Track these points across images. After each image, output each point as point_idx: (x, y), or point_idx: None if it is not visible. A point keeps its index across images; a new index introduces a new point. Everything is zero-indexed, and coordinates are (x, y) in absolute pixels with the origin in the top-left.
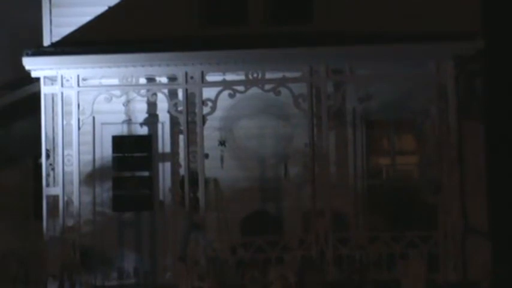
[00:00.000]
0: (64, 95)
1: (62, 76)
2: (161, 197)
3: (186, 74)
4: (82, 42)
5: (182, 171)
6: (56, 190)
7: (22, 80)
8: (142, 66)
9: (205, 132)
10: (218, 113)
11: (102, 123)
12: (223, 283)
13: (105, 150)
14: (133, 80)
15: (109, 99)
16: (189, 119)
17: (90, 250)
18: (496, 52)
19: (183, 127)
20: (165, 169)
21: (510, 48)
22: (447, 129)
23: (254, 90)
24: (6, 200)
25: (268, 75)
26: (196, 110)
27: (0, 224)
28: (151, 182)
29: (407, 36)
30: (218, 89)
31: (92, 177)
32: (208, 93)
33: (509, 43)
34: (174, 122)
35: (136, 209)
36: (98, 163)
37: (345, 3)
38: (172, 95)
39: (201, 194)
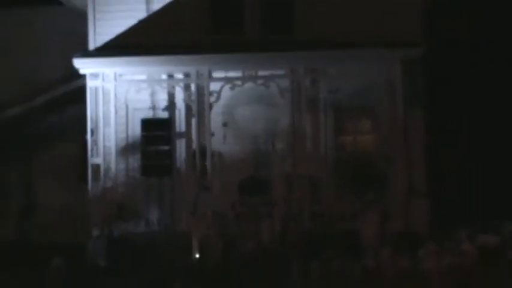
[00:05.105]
0: (104, 87)
1: (103, 73)
2: (178, 165)
3: (197, 72)
4: (118, 47)
5: (194, 146)
6: (98, 160)
7: (72, 76)
8: (164, 65)
9: (211, 116)
10: (222, 101)
11: (134, 109)
12: (225, 232)
13: (136, 130)
14: (157, 76)
15: (139, 91)
16: (199, 106)
17: (124, 205)
18: (433, 56)
19: (194, 112)
20: (181, 144)
21: (445, 52)
22: (396, 116)
23: (249, 84)
24: (63, 167)
25: (260, 73)
26: (205, 99)
27: (57, 184)
28: (170, 154)
29: (366, 43)
30: (221, 83)
31: (125, 150)
32: (214, 86)
33: (444, 48)
34: (188, 108)
35: (159, 174)
36: (130, 139)
37: (319, 18)
38: (186, 87)
39: (208, 163)
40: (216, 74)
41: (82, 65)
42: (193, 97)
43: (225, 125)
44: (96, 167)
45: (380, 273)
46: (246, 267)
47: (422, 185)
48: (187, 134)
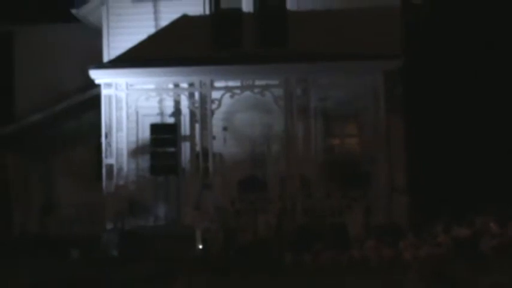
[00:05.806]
0: (117, 96)
1: (115, 83)
2: (183, 165)
3: (201, 81)
4: (130, 59)
5: (197, 148)
6: (112, 160)
7: (89, 86)
8: (171, 76)
9: (213, 121)
10: (222, 108)
11: (143, 115)
12: (225, 225)
13: (145, 134)
14: (165, 85)
15: (148, 99)
16: (202, 112)
17: (135, 201)
18: (411, 67)
19: (198, 118)
20: (186, 147)
21: (420, 65)
22: (379, 121)
23: (247, 93)
24: (80, 167)
25: (256, 83)
26: (207, 106)
27: (75, 183)
28: (176, 155)
29: (352, 56)
30: (222, 92)
31: (136, 151)
32: (216, 94)
33: (420, 61)
34: (192, 114)
35: (166, 173)
36: (140, 142)
37: (310, 33)
38: (191, 96)
39: (210, 163)
40: (217, 84)
41: (97, 75)
42: (197, 104)
43: (225, 129)
44: (110, 167)
45: (365, 262)
46: (245, 257)
47: (402, 183)
48: (191, 138)
